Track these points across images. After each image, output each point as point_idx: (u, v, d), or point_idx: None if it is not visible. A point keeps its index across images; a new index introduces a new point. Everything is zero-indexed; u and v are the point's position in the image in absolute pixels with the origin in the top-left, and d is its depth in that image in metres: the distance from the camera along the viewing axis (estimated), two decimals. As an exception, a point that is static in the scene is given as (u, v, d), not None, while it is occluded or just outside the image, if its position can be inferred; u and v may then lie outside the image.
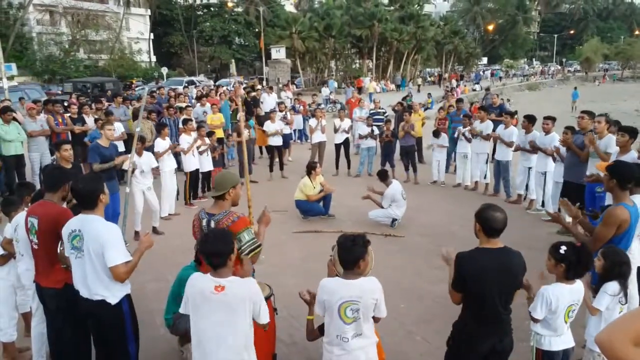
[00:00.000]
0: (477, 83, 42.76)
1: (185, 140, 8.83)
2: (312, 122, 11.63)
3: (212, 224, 3.22)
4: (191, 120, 9.46)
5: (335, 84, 36.85)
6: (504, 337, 2.92)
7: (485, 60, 67.65)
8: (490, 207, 2.88)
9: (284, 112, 12.61)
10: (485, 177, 9.62)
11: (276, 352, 3.52)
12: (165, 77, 36.62)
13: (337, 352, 2.83)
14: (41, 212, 3.51)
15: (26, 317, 4.36)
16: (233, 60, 5.66)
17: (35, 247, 3.55)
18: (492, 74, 54.91)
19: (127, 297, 3.28)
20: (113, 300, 3.17)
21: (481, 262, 2.81)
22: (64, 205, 3.76)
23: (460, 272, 2.85)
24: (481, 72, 55.72)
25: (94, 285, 3.13)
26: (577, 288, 3.07)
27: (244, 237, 3.18)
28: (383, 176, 7.87)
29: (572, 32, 76.29)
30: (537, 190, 8.33)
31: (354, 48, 46.35)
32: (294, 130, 15.00)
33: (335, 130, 11.21)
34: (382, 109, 13.67)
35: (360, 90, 35.67)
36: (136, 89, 24.24)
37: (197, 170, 9.03)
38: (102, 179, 3.44)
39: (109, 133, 6.70)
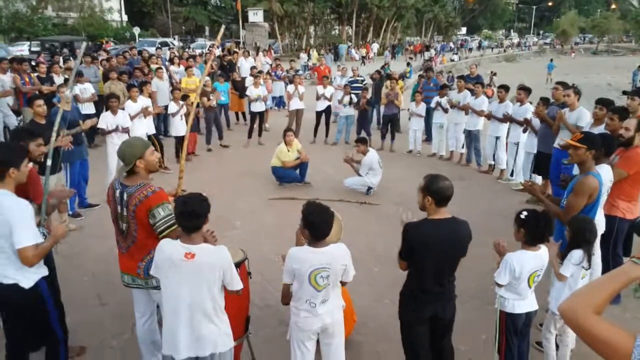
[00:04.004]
0: (456, 53, 42.78)
1: (132, 107, 8.31)
2: (290, 88, 11.47)
3: (125, 197, 3.01)
4: (149, 82, 9.38)
5: (345, 49, 36.99)
6: (446, 304, 3.02)
7: (464, 30, 67.43)
8: (438, 177, 2.90)
9: (255, 77, 12.27)
10: (462, 147, 9.73)
11: (250, 315, 3.56)
12: (137, 37, 35.39)
13: (304, 314, 2.89)
14: None
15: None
16: (223, 26, 5.42)
17: None
18: (461, 45, 54.31)
19: (44, 280, 3.03)
20: (26, 284, 2.92)
21: (429, 233, 2.86)
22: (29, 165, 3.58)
23: (408, 241, 2.90)
24: (452, 43, 55.11)
25: (3, 267, 2.88)
26: (542, 254, 3.18)
27: (158, 213, 2.94)
28: (364, 142, 7.92)
29: (550, 4, 76.44)
30: (508, 160, 8.50)
31: (333, 14, 45.53)
32: (272, 97, 14.76)
33: (317, 98, 11.10)
34: (361, 77, 13.57)
35: (367, 55, 36.72)
36: (111, 50, 23.33)
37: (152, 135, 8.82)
38: (20, 152, 3.09)
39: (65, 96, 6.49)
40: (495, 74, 20.81)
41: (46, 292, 3.03)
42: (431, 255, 2.85)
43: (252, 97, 10.82)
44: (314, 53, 29.18)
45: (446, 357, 3.20)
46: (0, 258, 2.87)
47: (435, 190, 2.84)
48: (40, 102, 5.73)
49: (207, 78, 10.80)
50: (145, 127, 8.32)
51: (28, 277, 2.93)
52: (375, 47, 41.70)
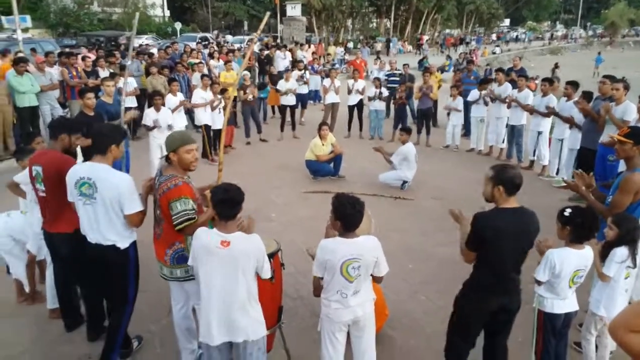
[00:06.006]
0: (498, 45, 41.73)
1: (200, 95, 8.85)
2: (326, 82, 11.47)
3: (157, 185, 3.17)
4: (207, 76, 9.47)
5: (399, 43, 37.93)
6: (515, 296, 2.98)
7: (507, 22, 65.47)
8: (507, 167, 2.92)
9: (302, 72, 12.40)
10: (503, 142, 9.47)
11: (282, 305, 3.60)
12: (179, 32, 36.12)
13: (335, 306, 2.89)
14: (44, 160, 3.62)
15: (41, 265, 4.51)
16: (268, 13, 5.38)
17: (43, 194, 3.64)
18: (498, 37, 53.23)
19: (134, 244, 3.43)
20: (123, 245, 3.31)
21: (501, 222, 2.82)
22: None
23: (478, 231, 2.84)
24: (494, 35, 54.20)
25: (107, 230, 3.25)
26: (586, 254, 3.07)
27: (175, 207, 3.03)
28: (409, 131, 7.96)
29: (599, -6, 73.25)
30: (552, 157, 8.22)
31: (371, 6, 45.03)
32: (309, 91, 14.82)
33: (349, 92, 11.06)
34: (399, 70, 13.41)
35: (420, 47, 36.88)
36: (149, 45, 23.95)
37: (209, 126, 9.05)
38: (120, 132, 3.48)
39: (109, 89, 6.71)
40: (558, 66, 19.68)
41: (132, 253, 3.43)
42: (503, 245, 2.82)
43: (282, 91, 10.88)
44: (330, 47, 28.26)
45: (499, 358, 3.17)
46: (106, 224, 3.24)
47: (507, 179, 2.83)
48: (91, 95, 5.99)
49: (247, 72, 10.93)
50: (183, 120, 8.55)
51: (123, 240, 3.32)
52: (425, 38, 41.84)
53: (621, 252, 3.26)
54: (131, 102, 9.88)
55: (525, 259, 2.96)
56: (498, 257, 2.87)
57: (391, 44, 37.07)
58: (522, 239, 2.88)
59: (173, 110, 8.17)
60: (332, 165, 8.19)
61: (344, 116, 11.33)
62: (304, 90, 12.35)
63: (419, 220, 6.56)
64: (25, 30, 22.56)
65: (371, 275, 2.96)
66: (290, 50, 18.25)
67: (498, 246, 2.82)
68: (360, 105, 11.13)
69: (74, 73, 10.04)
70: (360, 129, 11.27)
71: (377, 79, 11.51)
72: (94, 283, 3.72)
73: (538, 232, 2.93)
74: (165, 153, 3.29)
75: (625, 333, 1.56)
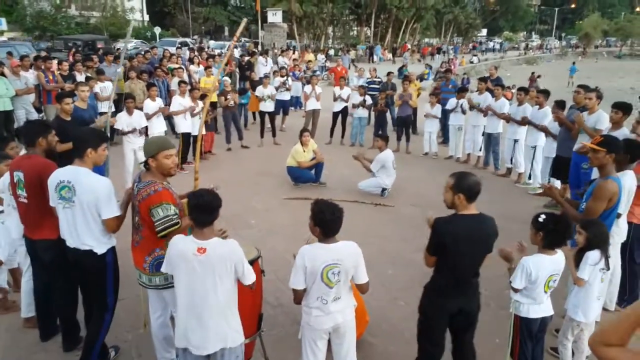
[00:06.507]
0: (475, 55, 42.46)
1: (178, 101, 8.75)
2: (307, 89, 11.50)
3: (135, 191, 3.11)
4: (185, 82, 9.38)
5: (381, 50, 38.68)
6: (473, 298, 3.07)
7: (484, 32, 66.79)
8: (467, 174, 2.97)
9: (284, 78, 12.40)
10: (480, 150, 9.63)
11: (262, 312, 3.58)
12: (158, 37, 35.83)
13: (316, 313, 2.88)
14: (25, 165, 3.54)
15: (14, 273, 4.40)
16: (245, 19, 5.38)
17: (24, 200, 3.55)
18: (474, 47, 54.57)
19: (112, 250, 3.39)
20: (99, 250, 3.27)
21: (460, 228, 2.89)
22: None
23: (438, 236, 2.91)
24: (471, 45, 55.42)
25: (84, 235, 3.22)
26: (558, 259, 3.14)
27: (157, 213, 2.97)
28: (385, 139, 7.97)
29: (573, 5, 75.23)
30: (525, 163, 8.39)
31: (352, 14, 45.48)
32: (290, 97, 14.82)
33: (335, 99, 11.09)
34: (379, 77, 13.53)
35: (400, 55, 38.14)
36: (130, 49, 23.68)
37: (189, 133, 8.96)
38: (99, 137, 3.38)
39: (83, 94, 6.56)
40: (539, 76, 19.58)
41: (110, 259, 3.39)
42: (461, 250, 2.88)
43: (260, 97, 10.87)
44: (308, 54, 27.30)
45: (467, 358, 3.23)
46: (84, 228, 3.21)
47: (467, 187, 2.89)
48: (69, 100, 5.87)
49: (227, 78, 10.90)
50: (162, 126, 8.46)
51: (101, 246, 3.29)
52: (408, 47, 42.40)
53: (594, 255, 3.36)
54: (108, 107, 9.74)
55: (483, 263, 3.02)
56: (457, 262, 2.93)
57: (375, 53, 37.40)
58: (481, 245, 2.95)
59: (150, 117, 8.07)
60: (313, 171, 8.20)
61: (324, 123, 11.36)
62: (286, 96, 12.37)
63: (399, 226, 6.61)
64: (0, 33, 22.10)
65: (356, 284, 2.97)
66: (281, 54, 18.32)
67: (457, 251, 2.89)
68: (344, 112, 11.18)
69: (50, 77, 9.87)
70: (342, 136, 11.31)
71: (362, 86, 11.60)
72: (75, 289, 3.66)
73: (496, 237, 2.99)
74: (139, 158, 3.28)
75: (601, 347, 1.60)
